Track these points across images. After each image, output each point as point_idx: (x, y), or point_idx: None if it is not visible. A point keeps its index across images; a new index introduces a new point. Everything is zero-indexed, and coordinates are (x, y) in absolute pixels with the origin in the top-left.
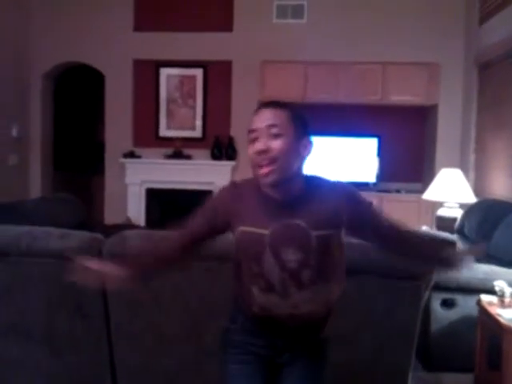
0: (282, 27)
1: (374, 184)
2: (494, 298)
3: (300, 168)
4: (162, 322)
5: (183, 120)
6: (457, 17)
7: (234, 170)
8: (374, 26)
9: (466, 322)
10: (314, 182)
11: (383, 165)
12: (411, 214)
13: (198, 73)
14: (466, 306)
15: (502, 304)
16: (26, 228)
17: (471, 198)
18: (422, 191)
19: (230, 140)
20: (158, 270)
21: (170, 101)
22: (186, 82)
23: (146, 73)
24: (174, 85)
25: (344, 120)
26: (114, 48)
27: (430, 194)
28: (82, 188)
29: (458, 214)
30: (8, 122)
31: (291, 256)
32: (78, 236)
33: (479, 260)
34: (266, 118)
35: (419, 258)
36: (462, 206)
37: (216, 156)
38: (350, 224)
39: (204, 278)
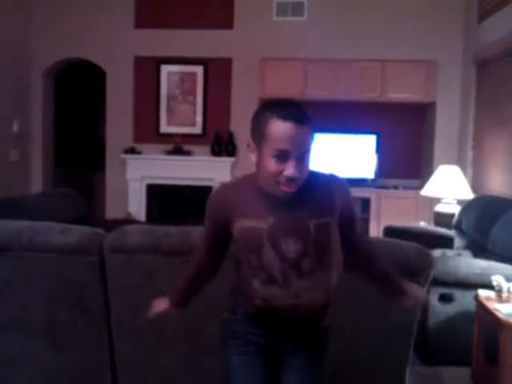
0: (282, 25)
1: (373, 180)
2: (491, 293)
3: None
4: (163, 320)
5: (183, 116)
6: (456, 15)
7: (234, 166)
8: (373, 23)
9: (464, 317)
10: (311, 176)
11: (381, 161)
12: (409, 210)
13: (199, 70)
14: (463, 300)
15: (500, 299)
16: (27, 223)
17: (469, 195)
18: (420, 187)
19: (230, 136)
20: (203, 287)
21: (170, 97)
22: (186, 79)
23: (147, 69)
24: (174, 81)
25: (343, 117)
26: (114, 45)
27: (428, 190)
28: (82, 184)
29: (455, 210)
30: (9, 118)
31: (291, 247)
32: (79, 231)
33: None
34: (298, 141)
35: (372, 282)
36: (459, 202)
37: (216, 152)
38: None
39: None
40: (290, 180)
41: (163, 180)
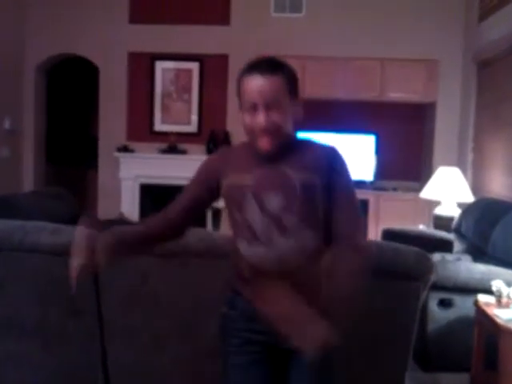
0: (280, 21)
1: (372, 182)
2: (491, 298)
3: (293, 132)
4: (157, 320)
5: (178, 114)
6: (456, 14)
7: None
8: (372, 21)
9: (463, 323)
10: (307, 142)
11: (380, 162)
12: (408, 213)
13: (194, 66)
14: (463, 306)
15: (500, 304)
16: (18, 223)
17: (469, 197)
18: (419, 190)
19: (226, 135)
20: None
21: (165, 95)
22: (181, 76)
23: (141, 66)
24: (169, 78)
25: (341, 116)
26: (108, 40)
27: (428, 192)
28: (75, 182)
29: (455, 212)
30: (0, 114)
31: (274, 201)
32: (71, 231)
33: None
34: (264, 90)
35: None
36: (459, 204)
37: (211, 151)
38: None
39: (200, 276)
40: (264, 131)
41: (157, 179)
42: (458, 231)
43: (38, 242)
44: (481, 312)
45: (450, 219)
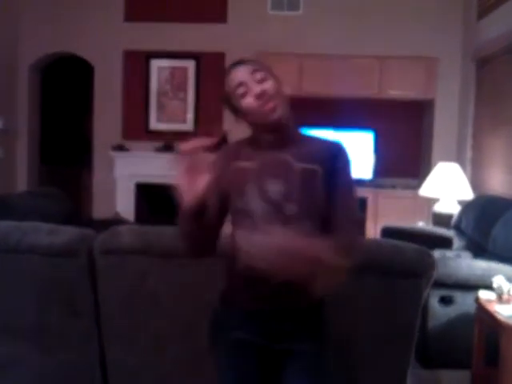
0: (278, 19)
1: (371, 180)
2: (492, 295)
3: (290, 116)
4: (156, 321)
5: (174, 113)
6: (455, 12)
7: None
8: (371, 19)
9: (464, 319)
10: (312, 136)
11: (379, 160)
12: (407, 210)
13: (190, 64)
14: (464, 302)
15: (500, 300)
16: (14, 223)
17: (469, 194)
18: (418, 187)
19: (223, 134)
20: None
21: (160, 93)
22: (177, 74)
23: (137, 64)
24: (164, 77)
25: (340, 113)
26: (103, 38)
27: (427, 189)
28: (69, 182)
29: (454, 210)
30: None
31: (275, 188)
32: (68, 231)
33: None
34: (246, 69)
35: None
36: (459, 201)
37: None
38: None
39: (200, 277)
40: (261, 96)
41: (153, 178)
42: (457, 228)
43: (36, 242)
44: (482, 309)
45: (449, 216)
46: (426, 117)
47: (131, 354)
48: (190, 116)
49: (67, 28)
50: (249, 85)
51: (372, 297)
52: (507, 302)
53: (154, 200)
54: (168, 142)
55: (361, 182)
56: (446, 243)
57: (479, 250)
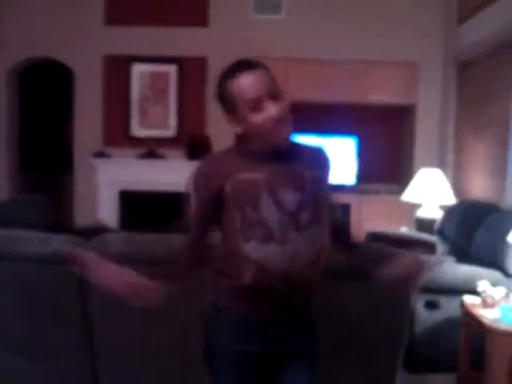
0: (260, 22)
1: (354, 186)
2: (477, 299)
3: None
4: (147, 332)
5: (156, 118)
6: (435, 16)
7: None
8: (352, 24)
9: (450, 324)
10: (297, 142)
11: (362, 165)
12: (391, 216)
13: (172, 69)
14: (449, 307)
15: (485, 305)
16: (2, 232)
17: (451, 199)
18: (401, 192)
19: (206, 139)
20: (195, 269)
21: (142, 98)
22: (158, 79)
23: (117, 69)
24: (146, 82)
25: (321, 119)
26: (83, 42)
27: (409, 195)
28: (50, 189)
29: (437, 215)
30: None
31: (289, 197)
32: (56, 239)
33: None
34: (261, 82)
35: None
36: (441, 206)
37: (191, 156)
38: None
39: (192, 286)
40: (278, 121)
41: (135, 185)
42: (440, 233)
43: (23, 251)
44: (467, 313)
45: (432, 221)
46: (407, 122)
47: (123, 365)
48: (173, 121)
49: (46, 32)
50: (264, 103)
51: (360, 302)
52: (492, 305)
53: (136, 207)
54: (150, 149)
55: (344, 188)
56: (429, 248)
57: (462, 254)
